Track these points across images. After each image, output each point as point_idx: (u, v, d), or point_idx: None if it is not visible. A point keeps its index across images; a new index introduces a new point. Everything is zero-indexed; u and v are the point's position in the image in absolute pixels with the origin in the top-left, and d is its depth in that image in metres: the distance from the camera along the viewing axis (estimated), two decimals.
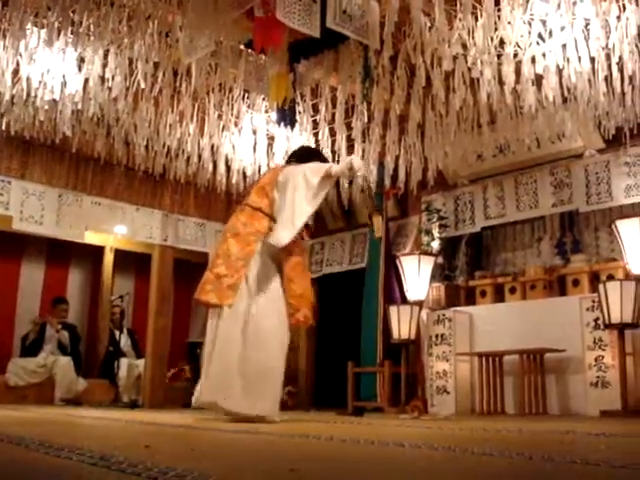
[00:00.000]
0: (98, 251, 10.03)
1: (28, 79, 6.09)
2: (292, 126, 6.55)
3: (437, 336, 7.60)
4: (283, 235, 4.73)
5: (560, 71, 5.44)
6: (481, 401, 7.06)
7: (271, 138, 7.67)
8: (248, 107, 7.03)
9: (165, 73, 6.12)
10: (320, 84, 6.57)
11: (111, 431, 3.74)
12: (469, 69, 5.45)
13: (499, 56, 5.40)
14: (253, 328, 4.67)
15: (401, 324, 7.31)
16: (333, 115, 6.81)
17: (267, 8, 4.73)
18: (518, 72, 5.46)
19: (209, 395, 4.63)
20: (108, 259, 10.02)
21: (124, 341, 9.44)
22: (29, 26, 5.56)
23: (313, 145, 7.05)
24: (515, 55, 5.35)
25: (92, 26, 5.50)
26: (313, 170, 4.85)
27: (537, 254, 8.06)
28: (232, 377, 4.60)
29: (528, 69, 5.40)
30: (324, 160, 5.39)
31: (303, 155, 5.31)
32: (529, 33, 5.19)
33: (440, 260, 8.24)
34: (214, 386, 4.62)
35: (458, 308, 7.75)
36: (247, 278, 4.78)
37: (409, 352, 7.54)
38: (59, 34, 5.55)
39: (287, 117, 6.38)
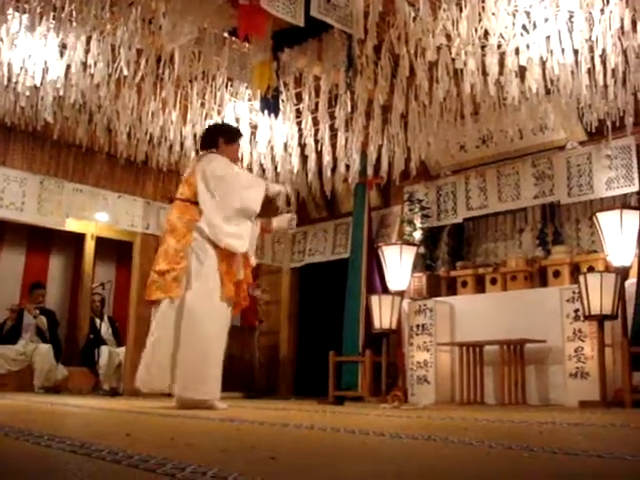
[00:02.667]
0: (79, 238, 9.98)
1: (9, 65, 6.06)
2: (275, 114, 6.53)
3: (418, 326, 7.63)
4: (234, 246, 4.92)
5: (543, 63, 5.45)
6: (461, 391, 7.09)
7: (254, 127, 7.66)
8: (231, 95, 7.01)
9: (148, 60, 6.09)
10: (304, 73, 6.56)
11: (91, 419, 3.74)
12: (453, 60, 5.45)
13: (483, 47, 5.41)
14: (187, 313, 4.74)
15: (382, 314, 7.33)
16: (316, 104, 6.81)
17: None
18: (502, 63, 5.47)
19: (153, 382, 4.74)
20: (89, 246, 9.98)
21: (105, 329, 9.41)
22: (10, 11, 5.51)
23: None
24: (499, 46, 5.36)
25: (74, 12, 5.46)
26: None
27: (518, 245, 8.10)
28: (171, 363, 4.68)
29: (512, 60, 5.41)
30: (229, 130, 5.44)
31: (208, 137, 5.36)
32: (513, 24, 5.20)
33: (422, 250, 8.26)
34: (157, 374, 4.71)
35: (439, 298, 7.78)
36: (187, 268, 4.84)
37: (390, 342, 7.56)
38: (41, 19, 5.51)
39: (270, 106, 6.37)
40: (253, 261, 5.22)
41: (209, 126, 5.78)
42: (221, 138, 5.21)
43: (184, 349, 4.67)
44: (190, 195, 4.97)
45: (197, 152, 7.67)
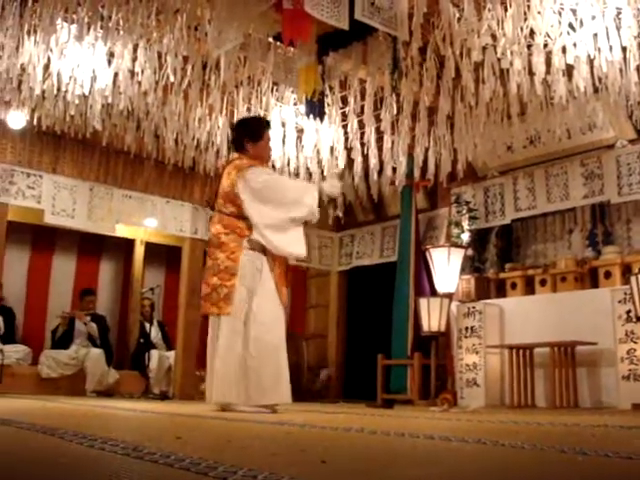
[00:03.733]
0: (129, 244, 10.08)
1: (59, 74, 6.16)
2: (321, 118, 6.54)
3: (467, 328, 7.57)
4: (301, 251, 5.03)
5: (591, 61, 5.37)
6: (511, 394, 7.02)
7: (300, 131, 7.67)
8: (277, 100, 7.04)
9: (194, 66, 6.15)
10: (349, 76, 6.56)
11: (143, 422, 3.77)
12: (499, 60, 5.40)
13: (529, 46, 5.35)
14: (255, 327, 4.81)
15: (431, 316, 7.30)
16: (362, 107, 6.81)
17: (295, 0, 4.72)
18: (548, 62, 5.40)
19: (216, 396, 4.78)
20: (139, 252, 10.07)
21: (154, 333, 9.50)
22: (59, 21, 5.61)
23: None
24: (545, 45, 5.30)
25: (121, 20, 5.54)
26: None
27: (568, 246, 7.99)
28: (237, 377, 4.74)
29: (559, 59, 5.34)
30: (253, 127, 5.34)
31: (235, 138, 5.32)
32: (559, 23, 5.14)
33: (470, 252, 8.19)
34: (220, 387, 4.76)
35: (488, 300, 7.71)
36: (241, 282, 4.87)
37: (439, 344, 7.52)
38: (89, 29, 5.60)
39: (316, 109, 6.38)
40: (301, 254, 5.18)
41: (235, 125, 5.64)
42: (246, 139, 5.17)
43: (255, 357, 4.74)
44: (235, 210, 4.95)
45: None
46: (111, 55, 6.05)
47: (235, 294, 4.82)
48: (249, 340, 4.77)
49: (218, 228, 5.00)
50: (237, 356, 4.77)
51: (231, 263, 4.85)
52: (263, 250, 4.89)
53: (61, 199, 8.29)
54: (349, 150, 7.48)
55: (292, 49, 6.03)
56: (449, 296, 7.51)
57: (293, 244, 4.93)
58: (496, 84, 5.63)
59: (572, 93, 5.81)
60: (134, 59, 5.97)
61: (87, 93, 6.38)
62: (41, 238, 9.66)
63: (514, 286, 7.77)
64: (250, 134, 5.19)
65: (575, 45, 5.26)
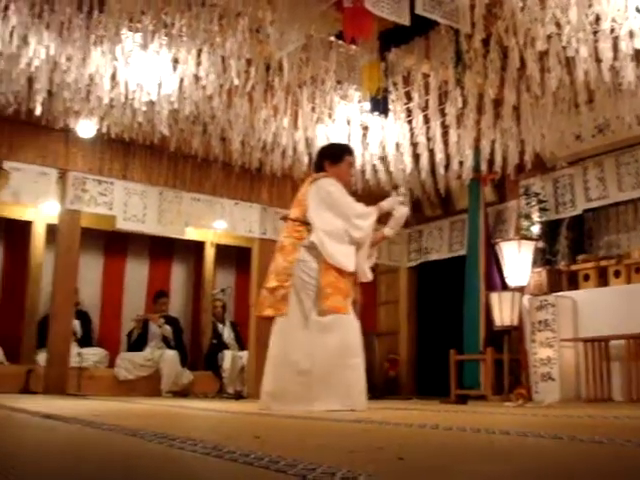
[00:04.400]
0: (199, 246, 10.23)
1: (125, 82, 6.29)
2: (385, 115, 6.53)
3: (540, 322, 7.46)
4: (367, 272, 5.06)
5: None
6: (587, 387, 6.90)
7: (365, 128, 7.66)
8: (341, 98, 7.04)
9: (257, 69, 6.20)
10: (412, 71, 6.53)
11: (219, 422, 3.81)
12: (564, 48, 5.31)
13: (595, 32, 5.25)
14: (310, 332, 4.78)
15: (503, 311, 7.22)
16: (426, 102, 6.77)
17: None
18: (615, 48, 5.28)
19: (271, 404, 4.78)
20: (209, 254, 10.21)
21: (227, 334, 9.60)
22: (124, 31, 5.73)
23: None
24: (612, 30, 5.19)
25: (184, 27, 5.62)
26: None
27: None
28: (292, 384, 4.73)
29: (626, 44, 5.21)
30: (333, 150, 5.37)
31: (316, 161, 5.38)
32: (626, 7, 5.02)
33: (541, 245, 8.07)
34: (275, 395, 4.78)
35: (561, 293, 7.59)
36: (295, 285, 4.87)
37: (511, 339, 7.44)
38: (153, 37, 5.70)
39: (380, 106, 6.37)
40: (369, 276, 5.17)
41: (318, 150, 5.73)
42: (325, 160, 5.20)
43: (321, 363, 4.72)
44: (299, 215, 5.02)
45: (310, 156, 7.79)
46: (176, 61, 6.14)
47: (291, 295, 4.86)
48: (313, 347, 4.76)
49: (283, 233, 5.13)
50: (295, 361, 4.77)
51: (287, 264, 4.90)
52: (319, 256, 4.91)
53: (132, 204, 8.46)
54: (415, 145, 7.45)
55: (354, 47, 6.04)
56: (520, 289, 7.42)
57: (345, 257, 4.91)
58: (562, 73, 5.54)
59: None
60: (198, 64, 6.05)
61: (154, 100, 6.50)
62: (114, 243, 9.87)
63: (587, 278, 7.63)
64: (330, 156, 5.23)
65: None
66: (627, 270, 7.28)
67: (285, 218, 5.23)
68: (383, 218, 5.23)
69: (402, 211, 5.16)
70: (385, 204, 5.18)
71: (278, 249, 5.05)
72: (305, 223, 4.98)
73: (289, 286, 4.87)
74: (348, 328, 4.85)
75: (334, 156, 5.22)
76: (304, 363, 4.73)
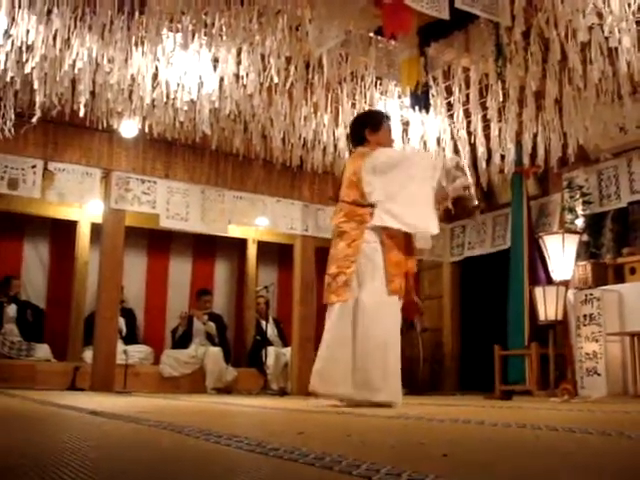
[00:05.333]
0: (241, 243, 10.30)
1: (167, 82, 6.35)
2: (426, 110, 6.51)
3: (585, 316, 7.38)
4: (387, 219, 4.80)
5: None
6: (634, 383, 6.81)
7: (406, 123, 7.64)
8: (381, 94, 7.04)
9: (297, 66, 6.22)
10: (452, 66, 6.51)
11: (264, 418, 3.83)
12: (606, 39, 5.24)
13: (638, 22, 5.18)
14: (362, 314, 4.72)
15: (547, 305, 7.15)
16: (467, 96, 6.74)
17: None
18: None
19: (319, 385, 4.74)
20: (251, 251, 10.27)
21: (270, 330, 9.65)
22: (165, 31, 5.79)
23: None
24: None
25: (224, 26, 5.66)
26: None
27: None
28: (343, 367, 4.67)
29: None
30: (372, 117, 5.32)
31: (354, 133, 5.26)
32: None
33: (585, 238, 7.98)
34: (325, 377, 4.72)
35: (606, 287, 7.50)
36: (357, 272, 4.82)
37: (557, 333, 7.37)
38: (193, 37, 5.75)
39: (421, 101, 6.35)
40: (429, 235, 5.07)
41: (352, 121, 5.61)
42: (366, 129, 5.11)
43: (362, 350, 4.67)
44: (357, 196, 4.91)
45: (350, 153, 7.79)
46: (216, 60, 6.18)
47: (353, 281, 4.81)
48: (357, 333, 4.72)
49: (340, 217, 4.98)
50: (347, 346, 4.72)
51: (351, 250, 4.83)
52: (381, 237, 4.84)
53: (175, 203, 8.55)
54: (456, 140, 7.42)
55: (393, 42, 6.03)
56: (565, 284, 7.35)
57: (423, 218, 4.80)
58: (605, 64, 5.47)
59: None
60: (238, 63, 6.09)
61: (195, 99, 6.55)
62: (157, 242, 9.99)
63: (633, 271, 7.53)
64: (369, 124, 5.15)
65: None
66: None
67: (335, 199, 5.17)
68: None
69: (464, 179, 5.02)
70: (448, 160, 5.11)
71: (337, 234, 4.96)
72: (365, 205, 4.89)
73: (351, 272, 4.81)
74: (395, 317, 4.81)
75: (374, 124, 5.15)
76: (356, 348, 4.69)
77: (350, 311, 4.77)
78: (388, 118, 5.34)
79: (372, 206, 4.85)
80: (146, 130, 7.28)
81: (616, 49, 5.33)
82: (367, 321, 4.71)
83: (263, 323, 9.58)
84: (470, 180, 5.05)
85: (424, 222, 4.83)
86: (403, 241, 4.90)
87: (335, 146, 7.73)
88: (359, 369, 4.65)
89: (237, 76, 6.24)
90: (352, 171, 5.00)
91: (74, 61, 5.85)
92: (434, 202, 4.90)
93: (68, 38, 5.72)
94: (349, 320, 4.76)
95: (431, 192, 4.85)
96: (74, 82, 6.22)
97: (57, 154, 8.03)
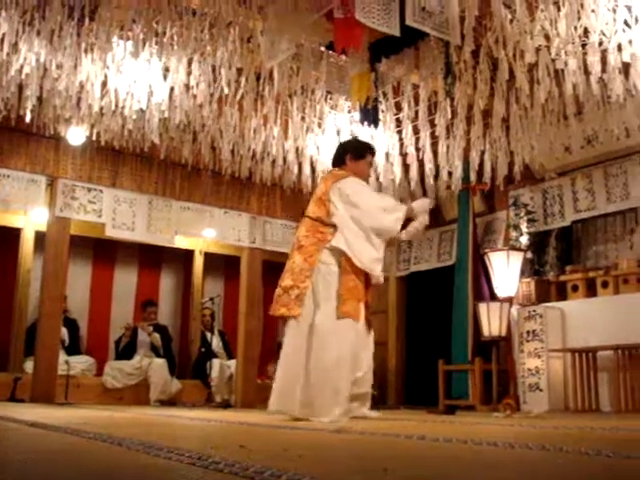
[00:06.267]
0: (188, 254, 10.22)
1: (116, 90, 6.29)
2: (375, 125, 6.54)
3: (528, 332, 7.48)
4: (377, 270, 4.91)
5: None
6: (575, 398, 6.91)
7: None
8: (331, 108, 7.06)
9: (248, 78, 6.20)
10: (402, 82, 6.55)
11: (206, 431, 3.80)
12: (553, 60, 5.33)
13: (584, 45, 5.27)
14: (315, 334, 4.73)
15: (491, 321, 7.22)
16: (416, 112, 6.78)
17: (346, 9, 4.73)
18: (604, 61, 5.31)
19: (275, 404, 4.76)
20: (198, 262, 10.20)
21: (215, 342, 9.59)
22: (115, 39, 5.73)
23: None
24: (600, 43, 5.21)
25: (175, 36, 5.62)
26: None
27: (630, 246, 7.83)
28: (295, 385, 4.68)
29: (614, 57, 5.24)
30: (357, 145, 5.41)
31: (337, 154, 5.34)
32: (614, 20, 5.05)
33: (529, 255, 8.09)
34: (280, 395, 4.74)
35: (549, 304, 7.60)
36: (313, 287, 4.84)
37: (500, 349, 7.44)
38: (144, 45, 5.70)
39: (370, 116, 6.38)
40: (380, 279, 5.09)
41: (339, 143, 5.74)
42: (348, 155, 5.19)
43: (311, 371, 4.67)
44: (322, 215, 4.94)
45: (300, 165, 7.79)
46: (166, 70, 6.14)
47: (306, 297, 4.81)
48: (309, 354, 4.72)
49: (301, 231, 5.01)
50: (300, 363, 4.72)
51: (307, 265, 4.84)
52: (339, 260, 4.87)
53: (121, 212, 8.45)
54: (404, 156, 7.46)
55: (344, 57, 6.05)
56: (509, 300, 7.42)
57: (372, 260, 4.86)
58: (551, 85, 5.55)
59: (629, 91, 5.70)
60: (189, 73, 6.06)
61: (144, 108, 6.50)
62: (103, 251, 9.86)
63: (575, 288, 7.65)
64: (353, 151, 5.24)
65: (631, 42, 5.16)
66: (615, 281, 7.30)
67: (302, 215, 5.17)
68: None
69: (426, 218, 5.10)
70: (416, 205, 5.09)
71: (296, 248, 4.97)
72: (328, 224, 4.92)
73: (305, 287, 4.81)
74: (346, 340, 4.77)
75: (357, 152, 5.23)
76: (307, 368, 4.69)
77: (305, 330, 4.78)
78: (373, 153, 5.41)
79: (335, 227, 4.89)
80: (94, 138, 7.20)
81: (562, 71, 5.43)
82: (317, 344, 4.71)
83: (208, 335, 9.52)
84: (427, 222, 5.13)
85: (370, 264, 4.88)
86: (360, 270, 4.92)
87: (284, 159, 7.72)
88: (306, 389, 4.65)
89: (187, 86, 6.21)
90: (323, 190, 5.04)
91: (21, 66, 5.76)
92: (384, 247, 5.00)
93: (16, 43, 5.64)
94: (303, 339, 4.77)
95: (383, 243, 4.92)
96: (21, 87, 6.13)
97: (2, 160, 7.88)
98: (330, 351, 4.69)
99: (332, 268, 4.85)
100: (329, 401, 4.60)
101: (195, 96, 6.28)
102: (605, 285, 7.39)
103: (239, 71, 6.08)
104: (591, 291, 7.54)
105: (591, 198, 7.94)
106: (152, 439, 2.53)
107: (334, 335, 4.73)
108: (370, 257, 4.86)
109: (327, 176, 5.24)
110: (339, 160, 5.24)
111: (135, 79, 6.19)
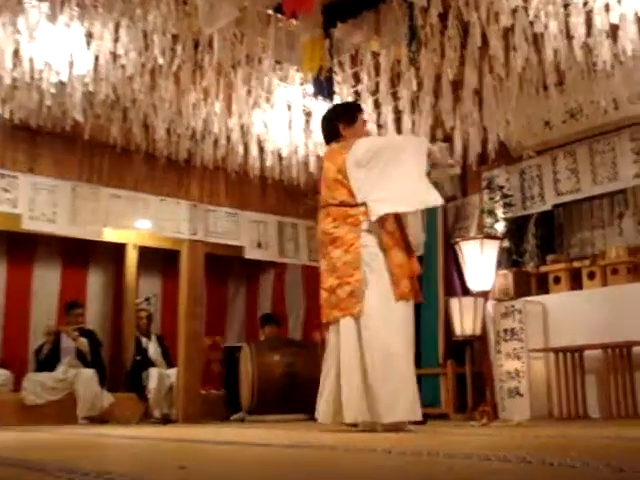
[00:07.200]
0: (119, 249, 10.12)
1: (31, 60, 6.15)
2: (330, 99, 6.53)
3: (506, 331, 7.53)
4: (381, 207, 4.87)
5: (639, 19, 5.31)
6: (559, 404, 6.98)
7: (308, 114, 7.66)
8: (280, 80, 7.03)
9: (185, 46, 6.14)
10: (360, 50, 6.54)
11: (141, 451, 3.77)
12: (531, 23, 5.36)
13: (566, 6, 5.31)
14: (366, 329, 4.77)
15: (464, 318, 7.27)
16: (377, 84, 6.78)
17: None
18: (589, 23, 5.35)
19: (342, 414, 4.79)
20: (131, 258, 10.10)
21: (153, 349, 9.52)
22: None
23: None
24: (585, 4, 5.25)
25: None
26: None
27: (619, 232, 7.93)
28: (362, 390, 4.73)
29: (601, 19, 5.27)
30: (345, 110, 5.48)
31: (327, 130, 5.41)
32: None
33: (506, 244, 8.15)
34: (348, 404, 4.75)
35: (529, 298, 7.66)
36: (364, 278, 4.85)
37: (474, 350, 7.50)
38: (62, 7, 5.60)
39: (324, 89, 6.37)
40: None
41: (323, 116, 5.73)
42: (340, 123, 5.25)
43: (369, 367, 4.70)
44: (346, 196, 4.98)
45: (246, 145, 7.74)
46: (90, 36, 6.04)
47: (361, 291, 4.81)
48: (363, 346, 4.75)
49: (328, 223, 5.02)
50: (358, 366, 4.76)
51: (350, 257, 4.86)
52: (380, 237, 4.89)
53: (40, 202, 8.30)
54: None
55: (295, 22, 6.02)
56: (484, 294, 7.48)
57: (418, 192, 4.88)
58: (529, 51, 5.59)
59: (618, 57, 5.74)
60: (116, 40, 5.97)
61: (65, 80, 6.38)
62: (19, 247, 9.73)
63: (558, 280, 7.72)
64: (344, 117, 5.31)
65: (620, 1, 5.20)
66: (602, 271, 7.37)
67: (323, 206, 5.15)
68: None
69: (447, 159, 5.19)
70: (434, 147, 5.17)
71: (328, 242, 4.99)
72: (355, 205, 4.94)
73: (357, 281, 4.83)
74: (405, 324, 4.88)
75: (348, 116, 5.31)
76: (368, 369, 4.73)
77: (354, 327, 4.81)
78: (362, 110, 5.52)
79: (364, 205, 4.92)
80: (6, 116, 7.06)
81: (542, 35, 5.45)
82: (373, 332, 4.74)
83: (144, 340, 9.44)
84: (459, 170, 5.20)
85: (420, 196, 4.90)
86: (402, 241, 4.99)
87: (228, 138, 7.68)
88: (372, 389, 4.69)
89: (114, 55, 6.12)
90: (336, 169, 5.07)
91: None
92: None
93: None
94: (355, 338, 4.78)
95: (423, 169, 4.93)
96: None
97: None
98: (387, 340, 4.73)
99: (374, 251, 4.88)
100: (393, 397, 4.67)
101: (124, 67, 6.20)
102: (591, 276, 7.46)
103: (174, 38, 6.03)
104: (576, 283, 7.61)
105: (575, 179, 8.01)
106: (78, 463, 2.50)
107: (390, 321, 4.79)
108: (418, 191, 4.87)
109: (330, 154, 5.27)
110: (333, 133, 5.30)
111: (53, 47, 6.07)
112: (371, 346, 4.72)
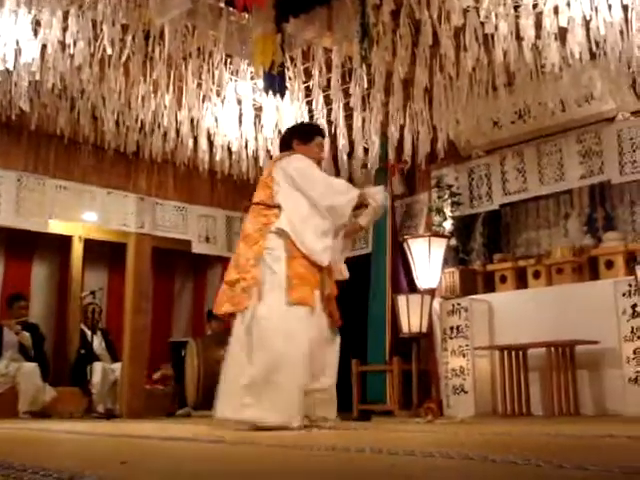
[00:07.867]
0: (65, 242, 9.99)
1: None
2: (282, 94, 6.51)
3: (452, 328, 7.59)
4: (284, 223, 4.90)
5: (587, 23, 5.37)
6: (503, 401, 7.04)
7: (258, 109, 7.64)
8: (231, 74, 7.00)
9: (135, 37, 6.09)
10: (312, 45, 6.54)
11: (83, 446, 3.74)
12: (482, 24, 5.40)
13: (516, 7, 5.36)
14: (256, 327, 4.74)
15: (411, 316, 7.29)
16: (328, 80, 6.78)
17: None
18: (539, 25, 5.41)
19: (220, 410, 4.76)
20: (77, 250, 9.98)
21: (97, 343, 9.41)
22: None
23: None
24: (535, 6, 5.30)
25: None
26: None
27: (564, 233, 8.03)
28: (238, 387, 4.66)
29: (550, 21, 5.34)
30: (304, 129, 5.56)
31: (283, 139, 5.48)
32: None
33: (453, 242, 8.21)
34: (224, 400, 4.74)
35: (475, 296, 7.73)
36: (260, 277, 4.83)
37: (420, 347, 7.53)
38: None
39: (276, 84, 6.35)
40: (345, 273, 5.34)
41: (286, 128, 5.90)
42: (295, 139, 5.28)
43: (254, 370, 4.65)
44: (265, 197, 5.01)
45: (195, 139, 7.70)
46: (37, 24, 5.96)
47: (253, 289, 4.80)
48: (252, 344, 4.72)
49: (247, 221, 5.08)
50: (240, 363, 4.73)
51: (252, 254, 4.88)
52: (286, 243, 4.87)
53: None
54: None
55: (247, 15, 6.00)
56: (431, 292, 7.52)
57: (315, 244, 4.91)
58: (479, 52, 5.63)
59: (566, 60, 5.80)
60: (65, 28, 5.89)
61: (10, 69, 6.28)
62: None
63: (504, 279, 7.79)
64: (300, 134, 5.35)
65: (569, 5, 5.26)
66: (548, 271, 7.46)
67: (247, 207, 5.17)
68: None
69: (383, 202, 5.24)
70: (369, 190, 5.28)
71: (242, 238, 5.03)
72: (272, 206, 4.95)
73: (251, 278, 4.82)
74: (299, 329, 4.78)
75: (304, 135, 5.33)
76: (250, 363, 4.69)
77: (246, 324, 4.79)
78: (322, 134, 5.52)
79: (279, 208, 4.94)
80: None
81: (492, 36, 5.49)
82: (263, 333, 4.71)
83: (89, 334, 9.33)
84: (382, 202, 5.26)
85: (314, 246, 4.90)
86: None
87: (177, 131, 7.64)
88: (249, 386, 4.62)
89: (63, 44, 6.04)
90: (267, 173, 5.15)
91: None
92: (342, 235, 5.24)
93: None
94: (244, 335, 4.77)
95: (331, 227, 5.03)
96: None
97: None
98: (274, 342, 4.68)
99: (277, 254, 4.86)
100: (273, 398, 4.60)
101: (72, 56, 6.11)
102: (537, 275, 7.55)
103: (124, 28, 5.97)
104: (521, 282, 7.69)
105: (522, 179, 8.10)
106: (15, 458, 2.46)
107: (284, 324, 4.74)
108: (314, 240, 4.90)
109: (272, 160, 5.42)
110: (286, 145, 5.33)
111: None
112: (258, 345, 4.70)
